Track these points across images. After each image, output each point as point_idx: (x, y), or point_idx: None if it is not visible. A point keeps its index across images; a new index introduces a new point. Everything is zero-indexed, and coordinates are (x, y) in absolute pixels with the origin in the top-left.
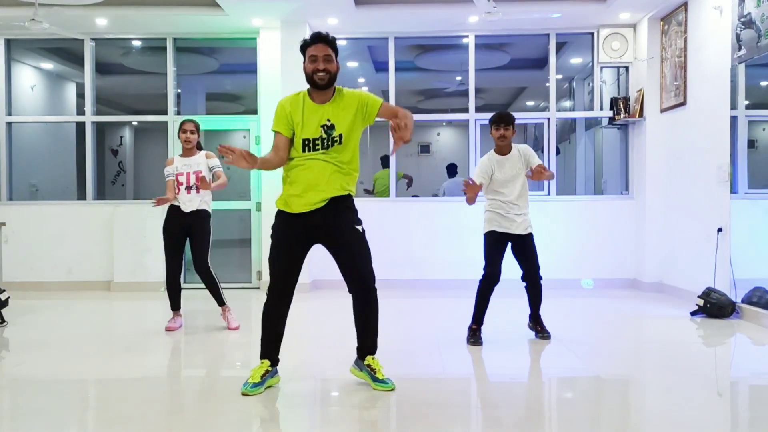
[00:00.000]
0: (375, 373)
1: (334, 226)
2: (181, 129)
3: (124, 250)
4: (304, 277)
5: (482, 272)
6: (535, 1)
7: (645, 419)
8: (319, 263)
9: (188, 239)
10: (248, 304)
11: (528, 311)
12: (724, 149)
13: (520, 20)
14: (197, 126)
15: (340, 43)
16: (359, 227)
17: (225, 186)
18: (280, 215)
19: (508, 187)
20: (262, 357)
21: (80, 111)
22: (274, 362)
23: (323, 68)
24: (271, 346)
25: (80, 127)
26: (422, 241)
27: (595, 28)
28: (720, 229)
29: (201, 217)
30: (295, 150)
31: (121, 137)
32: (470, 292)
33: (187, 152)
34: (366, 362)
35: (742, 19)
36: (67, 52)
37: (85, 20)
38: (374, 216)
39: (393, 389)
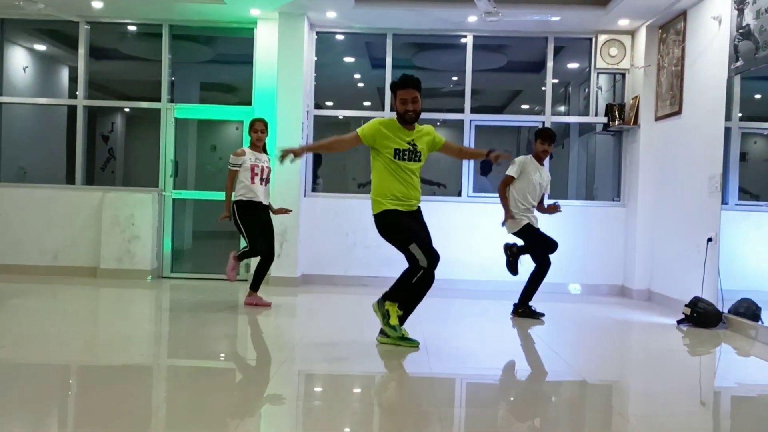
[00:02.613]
0: (388, 318)
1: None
2: (252, 128)
3: (111, 237)
4: (291, 271)
5: (540, 258)
6: (534, 4)
7: (628, 425)
8: (309, 258)
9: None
10: (236, 297)
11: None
12: (717, 160)
13: (519, 22)
14: (267, 125)
15: (337, 37)
16: None
17: None
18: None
19: (536, 192)
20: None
21: (72, 95)
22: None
23: (412, 109)
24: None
25: (71, 111)
26: None
27: (594, 33)
28: (710, 239)
29: (267, 210)
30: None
31: (113, 123)
32: (461, 293)
33: (256, 149)
34: (386, 306)
35: (741, 31)
36: (61, 34)
37: (81, 2)
38: (365, 214)
39: (396, 343)
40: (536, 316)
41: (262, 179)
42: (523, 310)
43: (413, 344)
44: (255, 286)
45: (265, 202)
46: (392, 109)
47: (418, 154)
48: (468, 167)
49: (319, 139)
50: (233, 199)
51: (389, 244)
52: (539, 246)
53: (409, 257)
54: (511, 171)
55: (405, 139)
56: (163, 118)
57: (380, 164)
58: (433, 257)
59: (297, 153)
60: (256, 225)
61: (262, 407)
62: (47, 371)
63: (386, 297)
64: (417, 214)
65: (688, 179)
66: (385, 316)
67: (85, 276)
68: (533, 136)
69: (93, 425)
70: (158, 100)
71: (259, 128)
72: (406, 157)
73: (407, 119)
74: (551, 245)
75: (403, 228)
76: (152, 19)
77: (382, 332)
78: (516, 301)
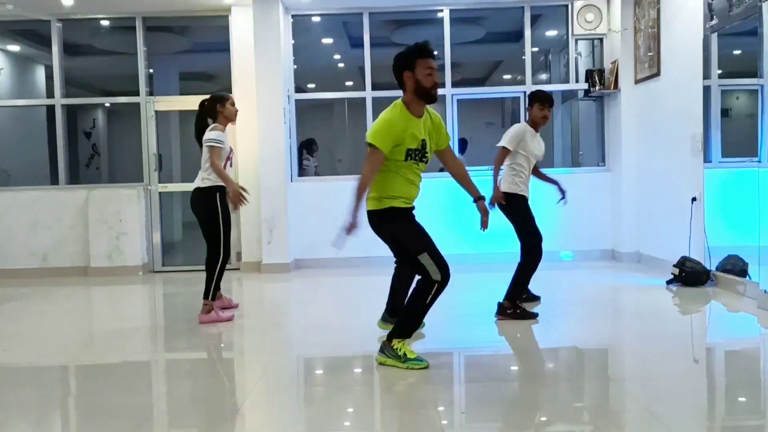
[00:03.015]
0: (405, 357)
1: None
2: (230, 101)
3: (99, 234)
4: (283, 257)
5: (530, 240)
6: None
7: (623, 388)
8: (302, 242)
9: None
10: (229, 285)
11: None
12: (698, 119)
13: None
14: None
15: (314, 19)
16: None
17: None
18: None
19: (531, 161)
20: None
21: (50, 93)
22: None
23: (438, 82)
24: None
25: (50, 110)
26: None
27: (570, 0)
28: (694, 199)
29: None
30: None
31: (94, 119)
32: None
33: (225, 127)
34: (395, 345)
35: None
36: (34, 33)
37: (51, 0)
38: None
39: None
40: (529, 316)
41: (230, 164)
42: (513, 311)
43: (423, 365)
44: (214, 295)
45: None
46: (400, 87)
47: (426, 154)
48: (455, 140)
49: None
50: (211, 185)
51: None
52: (530, 226)
53: (418, 268)
54: (507, 143)
55: (416, 134)
56: (142, 111)
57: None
58: (447, 270)
59: (354, 220)
60: (229, 222)
61: (260, 395)
62: (46, 374)
63: (392, 336)
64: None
65: (670, 140)
66: (399, 358)
67: (76, 276)
68: (528, 101)
69: (95, 423)
70: (136, 93)
71: (233, 101)
72: (417, 158)
73: (433, 96)
74: (538, 235)
75: (416, 233)
76: (124, 13)
77: (383, 351)
78: (501, 299)
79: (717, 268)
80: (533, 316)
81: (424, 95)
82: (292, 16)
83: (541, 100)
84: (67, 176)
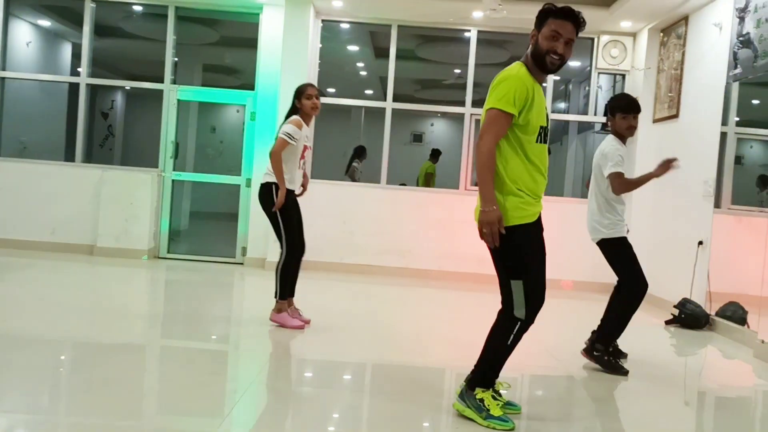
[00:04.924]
0: (488, 410)
1: None
2: (306, 95)
3: (109, 215)
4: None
5: (633, 286)
6: (540, 1)
7: (612, 421)
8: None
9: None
10: (231, 279)
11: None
12: (712, 164)
13: (523, 20)
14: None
15: (342, 26)
16: None
17: None
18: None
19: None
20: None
21: (74, 71)
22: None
23: (561, 52)
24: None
25: (74, 88)
26: (410, 230)
27: (596, 33)
28: (701, 242)
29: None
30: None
31: (113, 101)
32: (456, 284)
33: (307, 121)
34: (478, 395)
35: (741, 38)
36: (66, 10)
37: None
38: (363, 203)
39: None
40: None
41: (302, 162)
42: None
43: (508, 427)
44: (291, 292)
45: (298, 191)
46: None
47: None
48: (467, 159)
49: None
50: (272, 180)
51: (382, 234)
52: (635, 267)
53: (503, 293)
54: (623, 167)
55: (543, 105)
56: (165, 99)
57: (509, 145)
58: (535, 309)
59: (493, 215)
60: (294, 215)
61: (256, 393)
62: (45, 346)
63: (474, 383)
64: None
65: (683, 181)
66: (481, 411)
67: (82, 253)
68: (607, 111)
69: (85, 402)
70: (160, 79)
71: (314, 93)
72: (545, 140)
73: (548, 66)
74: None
75: (532, 254)
76: (158, 0)
77: (462, 398)
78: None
79: (717, 314)
80: (623, 372)
81: (538, 59)
82: (322, 20)
83: (623, 108)
84: (83, 154)
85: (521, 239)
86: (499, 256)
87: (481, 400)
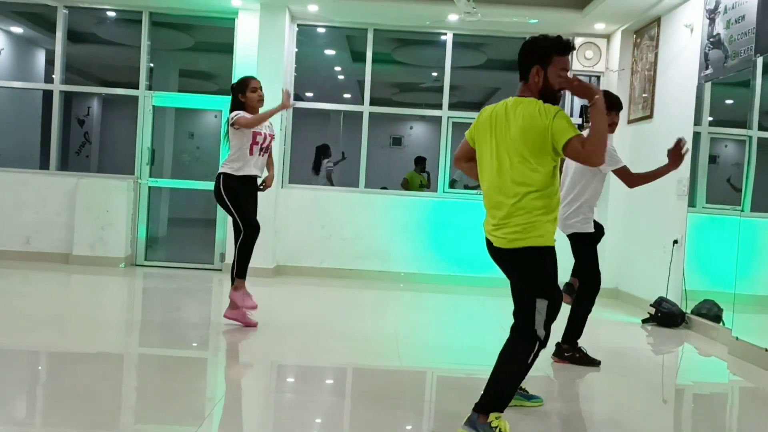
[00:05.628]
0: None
1: None
2: (250, 88)
3: (85, 223)
4: (266, 262)
5: (587, 280)
6: (514, 5)
7: (590, 421)
8: (283, 249)
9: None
10: (209, 285)
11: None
12: (686, 164)
13: (499, 23)
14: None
15: (318, 30)
16: None
17: None
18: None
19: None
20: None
21: (48, 78)
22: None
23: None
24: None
25: (47, 94)
26: (389, 234)
27: (571, 35)
28: (675, 241)
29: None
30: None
31: (89, 108)
32: (434, 287)
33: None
34: (490, 420)
35: (711, 39)
36: (38, 17)
37: None
38: (342, 207)
39: None
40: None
41: (262, 149)
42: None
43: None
44: (242, 273)
45: (259, 174)
46: (521, 76)
47: None
48: (444, 161)
49: None
50: (223, 170)
51: (360, 238)
52: (594, 264)
53: (525, 312)
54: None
55: None
56: (140, 105)
57: (543, 172)
58: (549, 326)
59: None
60: (245, 197)
61: (233, 400)
62: (17, 357)
63: (487, 408)
64: None
65: (657, 182)
66: None
67: (58, 262)
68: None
69: (60, 413)
70: (136, 86)
71: (257, 86)
72: None
73: (557, 101)
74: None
75: (555, 274)
76: (132, 6)
77: (473, 426)
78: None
79: (692, 312)
80: (596, 363)
81: (550, 98)
82: (298, 25)
83: (618, 106)
84: (58, 162)
85: (552, 260)
86: (527, 274)
87: (497, 428)
